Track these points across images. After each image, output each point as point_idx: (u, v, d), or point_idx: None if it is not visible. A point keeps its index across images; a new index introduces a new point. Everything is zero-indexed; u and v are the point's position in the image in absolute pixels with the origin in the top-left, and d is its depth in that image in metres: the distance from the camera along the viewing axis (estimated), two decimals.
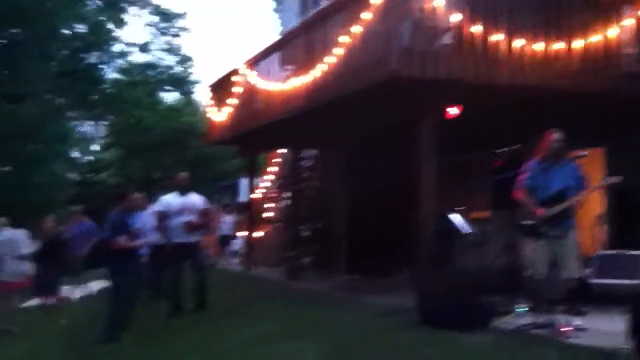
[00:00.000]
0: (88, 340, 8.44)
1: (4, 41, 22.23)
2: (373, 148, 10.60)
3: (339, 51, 8.49)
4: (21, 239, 9.93)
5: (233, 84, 11.99)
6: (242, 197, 18.18)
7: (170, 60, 32.43)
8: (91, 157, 33.61)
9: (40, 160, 24.08)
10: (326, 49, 8.77)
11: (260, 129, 11.27)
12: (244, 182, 18.37)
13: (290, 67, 10.26)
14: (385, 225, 10.29)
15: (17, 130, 21.15)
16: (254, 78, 11.28)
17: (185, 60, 32.53)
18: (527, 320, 6.51)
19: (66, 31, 25.72)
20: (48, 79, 23.29)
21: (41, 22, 22.40)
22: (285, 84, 10.08)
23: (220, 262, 13.51)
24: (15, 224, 10.43)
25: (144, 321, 8.85)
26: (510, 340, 6.09)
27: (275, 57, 10.92)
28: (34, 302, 10.86)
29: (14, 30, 22.38)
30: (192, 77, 32.95)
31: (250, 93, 11.41)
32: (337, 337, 6.86)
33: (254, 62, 11.47)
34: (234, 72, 12.05)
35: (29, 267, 9.98)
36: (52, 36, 23.55)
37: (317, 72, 8.97)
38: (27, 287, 10.31)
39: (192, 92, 33.28)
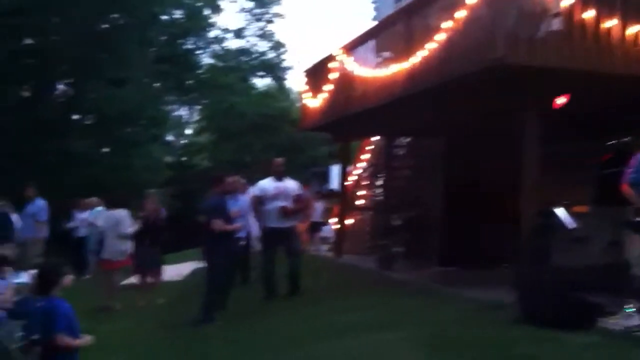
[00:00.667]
0: (183, 320, 8.64)
1: (107, 26, 22.99)
2: (473, 136, 10.31)
3: (440, 37, 8.27)
4: (123, 219, 10.22)
5: (329, 69, 11.93)
6: (333, 184, 18.17)
7: (263, 46, 32.80)
8: (185, 141, 34.47)
9: (138, 143, 24.89)
10: (427, 35, 8.58)
11: (355, 115, 11.17)
12: (334, 169, 18.35)
13: (387, 53, 10.11)
14: (485, 217, 10.00)
15: (118, 114, 21.89)
16: (350, 64, 11.19)
17: (278, 46, 32.81)
18: (636, 321, 6.18)
19: (165, 17, 26.41)
20: (147, 64, 23.97)
21: (142, 8, 23.07)
22: (382, 71, 9.94)
23: (309, 249, 13.55)
24: (116, 204, 10.74)
25: (238, 304, 8.98)
26: (618, 343, 5.79)
27: (372, 43, 10.79)
28: (134, 280, 11.20)
29: (115, 16, 23.11)
30: (285, 64, 33.22)
31: (346, 79, 11.32)
32: (429, 330, 6.72)
33: (350, 48, 11.37)
34: (330, 58, 11.99)
35: (129, 246, 10.27)
36: (151, 22, 24.21)
37: (417, 58, 8.79)
38: (128, 266, 10.62)
39: (284, 79, 33.57)
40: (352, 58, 11.20)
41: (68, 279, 4.78)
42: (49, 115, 21.26)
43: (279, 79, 33.22)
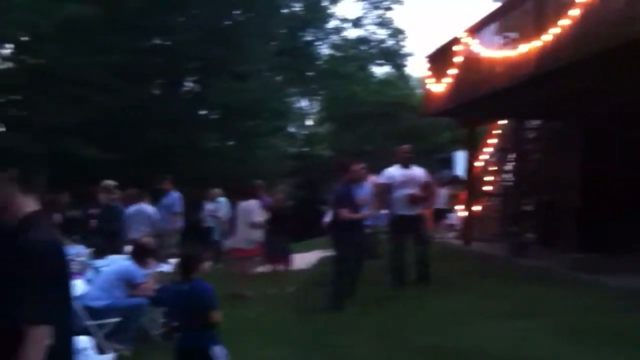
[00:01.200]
0: (313, 307, 8.72)
1: (229, 22, 23.61)
2: (613, 117, 9.74)
3: (574, 12, 7.85)
4: (253, 208, 10.45)
5: (453, 53, 11.66)
6: (457, 170, 17.79)
7: (382, 34, 32.59)
8: (306, 132, 34.91)
9: (262, 135, 25.45)
10: (559, 11, 8.17)
11: (481, 99, 10.86)
12: (459, 155, 17.95)
13: (513, 34, 9.74)
14: (627, 202, 9.43)
15: (242, 108, 22.47)
16: (475, 46, 10.88)
17: (397, 33, 32.47)
18: None
19: (285, 10, 26.82)
20: (269, 58, 24.45)
21: (263, 2, 23.56)
22: (510, 51, 9.58)
23: (435, 236, 13.34)
24: (247, 195, 10.98)
25: (366, 292, 8.96)
26: None
27: (497, 24, 10.44)
28: (265, 268, 11.44)
29: (237, 12, 23.70)
30: (404, 50, 32.83)
31: (471, 62, 11.02)
32: (565, 319, 6.41)
33: (475, 30, 11.05)
34: (454, 41, 11.71)
35: (260, 235, 10.48)
36: (272, 16, 24.65)
37: (548, 36, 8.40)
38: (259, 254, 10.85)
39: (404, 65, 33.22)
40: (477, 40, 10.88)
41: (207, 264, 4.99)
42: (178, 111, 22.18)
43: (398, 66, 32.89)
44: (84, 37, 18.11)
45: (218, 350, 4.66)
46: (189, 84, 25.30)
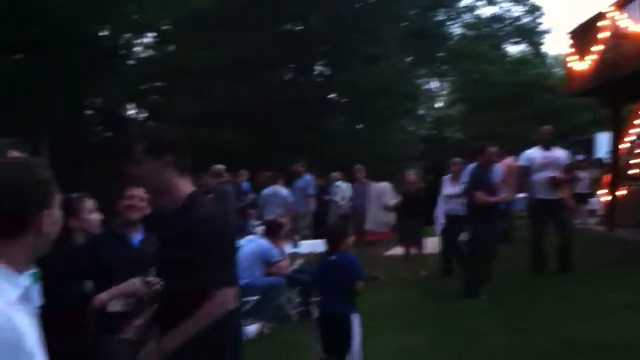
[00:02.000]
0: (446, 292, 8.59)
1: (360, 4, 23.61)
2: None
3: None
4: (385, 192, 10.44)
5: (597, 29, 11.02)
6: (599, 153, 16.88)
7: (517, 11, 31.36)
8: (436, 114, 34.38)
9: (392, 118, 25.32)
10: None
11: (628, 76, 10.20)
12: (601, 137, 17.03)
13: None
14: None
15: (371, 91, 22.44)
16: (623, 21, 10.22)
17: (533, 9, 31.12)
18: None
19: None
20: (399, 40, 24.23)
21: None
22: None
23: (576, 222, 12.73)
24: (379, 177, 11.00)
25: (504, 278, 8.72)
26: None
27: None
28: (397, 251, 11.39)
29: None
30: (541, 28, 31.44)
31: (618, 38, 10.37)
32: None
33: (623, 5, 10.37)
34: (599, 16, 11.06)
35: (392, 218, 10.46)
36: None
37: None
38: (391, 237, 10.83)
39: (540, 43, 31.84)
40: (625, 15, 10.21)
41: (352, 239, 5.35)
42: (308, 95, 22.50)
43: (534, 44, 31.55)
44: (221, 25, 18.72)
45: (356, 319, 4.98)
46: (318, 68, 25.58)
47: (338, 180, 13.27)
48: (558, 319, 6.72)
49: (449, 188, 9.85)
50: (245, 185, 12.49)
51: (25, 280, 1.85)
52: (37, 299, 2.52)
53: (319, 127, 22.14)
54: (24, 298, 1.81)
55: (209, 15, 17.81)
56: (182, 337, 2.65)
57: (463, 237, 8.51)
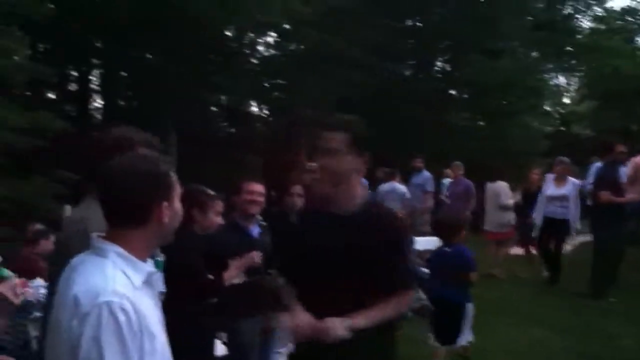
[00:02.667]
0: (570, 292, 8.35)
1: None
2: None
3: None
4: (503, 190, 10.21)
5: None
6: None
7: None
8: (563, 110, 33.07)
9: (515, 114, 24.62)
10: None
11: None
12: None
13: None
14: None
15: (494, 86, 21.93)
16: None
17: None
18: None
19: None
20: (524, 33, 23.53)
21: None
22: None
23: None
24: (496, 176, 10.72)
25: (631, 279, 8.38)
26: None
27: None
28: (517, 251, 11.13)
29: None
30: None
31: None
32: None
33: None
34: None
35: (512, 218, 10.22)
36: None
37: None
38: (511, 237, 10.60)
39: None
40: None
41: (464, 233, 5.63)
42: (428, 90, 22.26)
43: None
44: (345, 20, 18.93)
45: (470, 307, 5.30)
46: (439, 63, 25.31)
47: (447, 177, 13.07)
48: None
49: (552, 189, 9.36)
50: (363, 181, 12.56)
51: (149, 266, 2.01)
52: (161, 286, 2.69)
53: (439, 123, 21.91)
54: (147, 283, 1.96)
55: (330, 11, 18.06)
56: (370, 321, 2.64)
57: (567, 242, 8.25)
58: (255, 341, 4.67)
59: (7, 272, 5.02)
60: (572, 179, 9.34)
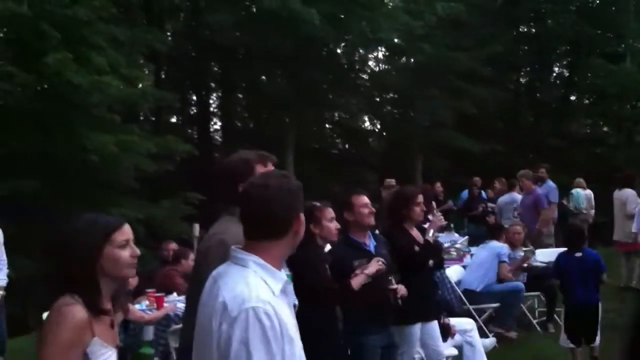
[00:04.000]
0: None
1: (599, 1, 22.34)
2: None
3: None
4: (630, 198, 9.73)
5: None
6: None
7: None
8: None
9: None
10: None
11: None
12: None
13: None
14: None
15: (617, 91, 21.03)
16: None
17: None
18: None
19: None
20: None
21: None
22: None
23: None
24: (624, 183, 10.22)
25: None
26: None
27: None
28: None
29: None
30: None
31: None
32: None
33: None
34: None
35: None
36: None
37: None
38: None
39: None
40: None
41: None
42: (548, 97, 21.62)
43: None
44: (460, 31, 18.79)
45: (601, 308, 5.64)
46: (558, 69, 24.54)
47: (578, 187, 12.54)
48: None
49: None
50: (481, 193, 12.33)
51: (284, 275, 2.13)
52: (293, 296, 2.80)
53: (561, 131, 21.23)
54: (283, 291, 2.08)
55: (441, 23, 17.99)
56: None
57: None
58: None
59: (150, 350, 5.21)
60: None
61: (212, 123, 21.52)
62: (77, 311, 2.08)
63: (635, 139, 21.73)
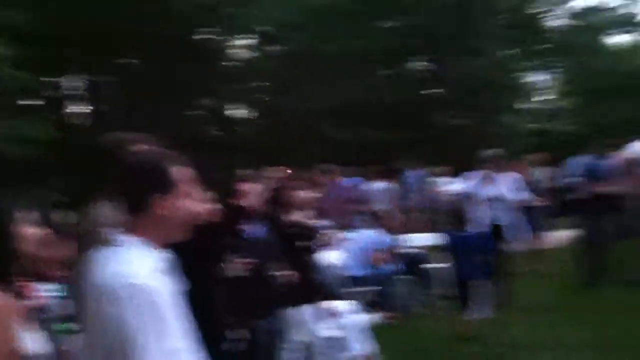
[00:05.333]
0: (569, 283, 8.50)
1: None
2: None
3: None
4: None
5: None
6: None
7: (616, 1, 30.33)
8: (546, 107, 33.43)
9: (495, 112, 24.94)
10: None
11: None
12: None
13: None
14: None
15: (471, 84, 22.30)
16: None
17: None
18: None
19: None
20: (497, 33, 23.79)
21: None
22: None
23: None
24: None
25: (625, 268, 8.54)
26: None
27: None
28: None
29: None
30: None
31: None
32: None
33: None
34: None
35: None
36: None
37: None
38: None
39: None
40: None
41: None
42: (409, 90, 22.50)
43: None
44: (327, 23, 19.07)
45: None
46: (420, 63, 25.49)
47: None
48: None
49: (483, 189, 8.56)
50: (355, 181, 12.64)
51: (163, 255, 2.10)
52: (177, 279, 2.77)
53: (424, 123, 22.17)
54: (161, 270, 2.05)
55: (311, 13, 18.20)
56: None
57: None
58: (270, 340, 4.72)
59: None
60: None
61: (73, 107, 20.59)
62: None
63: (492, 129, 23.09)
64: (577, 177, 9.44)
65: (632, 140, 10.63)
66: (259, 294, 4.62)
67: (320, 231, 7.69)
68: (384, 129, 19.40)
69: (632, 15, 30.16)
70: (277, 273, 4.64)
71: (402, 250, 7.92)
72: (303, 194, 5.41)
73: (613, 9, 30.34)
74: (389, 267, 7.33)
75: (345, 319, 5.76)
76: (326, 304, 5.55)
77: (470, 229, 6.58)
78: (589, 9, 30.22)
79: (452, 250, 6.49)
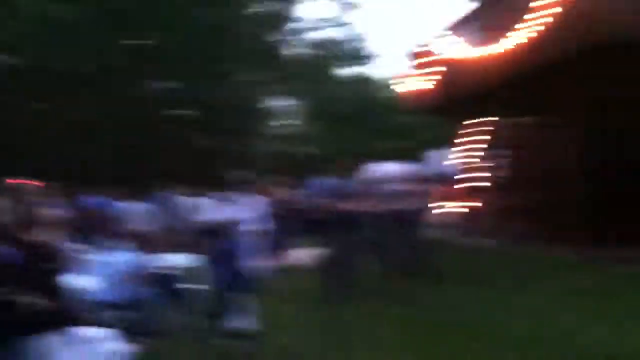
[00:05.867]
0: (317, 299, 8.83)
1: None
2: (614, 108, 9.83)
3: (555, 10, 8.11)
4: None
5: (431, 52, 11.87)
6: (443, 167, 17.89)
7: (346, 35, 33.18)
8: (291, 130, 34.87)
9: (242, 134, 25.59)
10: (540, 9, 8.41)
11: (465, 96, 11.06)
12: (441, 153, 18.12)
13: (494, 32, 9.96)
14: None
15: (219, 106, 22.75)
16: (457, 44, 11.12)
17: (360, 34, 33.37)
18: None
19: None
20: (241, 58, 24.53)
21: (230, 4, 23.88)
22: (494, 49, 9.82)
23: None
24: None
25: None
26: None
27: (476, 24, 10.68)
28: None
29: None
30: (367, 52, 33.47)
31: (454, 60, 11.24)
32: None
33: (456, 29, 11.28)
34: (434, 39, 11.92)
35: None
36: (239, 17, 24.98)
37: (532, 33, 8.65)
38: None
39: (370, 66, 33.95)
40: (455, 39, 11.09)
41: None
42: (153, 110, 22.30)
43: (366, 66, 33.74)
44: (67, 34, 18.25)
45: None
46: (168, 84, 25.19)
47: None
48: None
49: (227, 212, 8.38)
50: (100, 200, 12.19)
51: None
52: None
53: (169, 144, 22.03)
54: None
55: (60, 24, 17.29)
56: None
57: None
58: None
59: None
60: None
61: None
62: None
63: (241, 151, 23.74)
64: (320, 197, 10.00)
65: (365, 163, 11.61)
66: None
67: (68, 252, 7.28)
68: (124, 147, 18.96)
69: (359, 49, 33.14)
70: (18, 298, 4.30)
71: (159, 271, 7.73)
72: (49, 212, 5.09)
73: (345, 42, 32.96)
74: (145, 290, 7.12)
75: (98, 347, 5.49)
76: (75, 331, 5.24)
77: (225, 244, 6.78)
78: (328, 41, 32.44)
79: (211, 264, 6.52)
